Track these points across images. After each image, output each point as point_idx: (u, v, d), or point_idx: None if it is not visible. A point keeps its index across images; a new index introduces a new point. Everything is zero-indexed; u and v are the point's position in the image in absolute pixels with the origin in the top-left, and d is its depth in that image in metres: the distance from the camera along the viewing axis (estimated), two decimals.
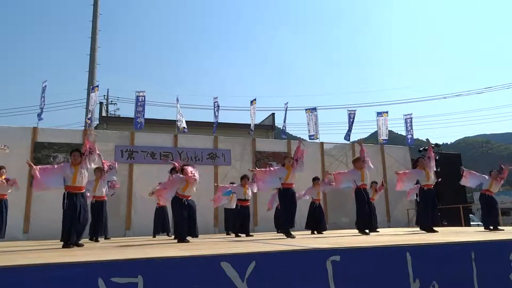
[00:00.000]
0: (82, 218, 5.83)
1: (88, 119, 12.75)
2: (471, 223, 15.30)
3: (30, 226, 10.41)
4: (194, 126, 15.89)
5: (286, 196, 7.06)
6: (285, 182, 7.05)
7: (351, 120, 14.93)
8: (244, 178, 9.22)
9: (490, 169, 9.03)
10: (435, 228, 7.84)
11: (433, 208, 8.09)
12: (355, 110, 15.07)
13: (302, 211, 13.64)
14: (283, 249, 3.15)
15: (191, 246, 4.74)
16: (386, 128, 15.23)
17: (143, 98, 12.78)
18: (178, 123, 12.76)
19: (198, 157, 12.63)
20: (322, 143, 14.29)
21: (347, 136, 14.81)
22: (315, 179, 10.13)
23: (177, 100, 13.12)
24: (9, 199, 8.95)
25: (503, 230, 7.74)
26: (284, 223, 7.05)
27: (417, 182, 8.73)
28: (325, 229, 9.73)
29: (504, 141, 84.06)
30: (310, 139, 14.43)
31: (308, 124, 14.32)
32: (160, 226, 10.01)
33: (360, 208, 7.74)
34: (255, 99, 14.10)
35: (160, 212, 10.09)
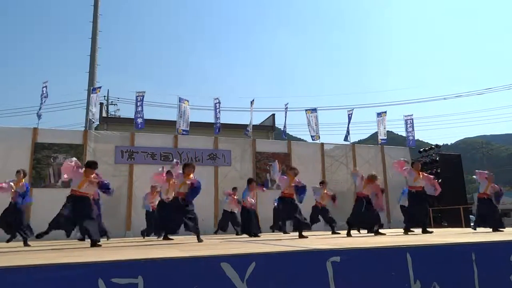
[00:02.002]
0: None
1: (92, 119, 12.76)
2: (472, 224, 15.28)
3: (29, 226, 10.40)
4: (195, 126, 15.90)
5: (285, 204, 7.52)
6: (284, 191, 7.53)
7: (350, 120, 14.97)
8: (252, 182, 9.26)
9: (491, 170, 9.05)
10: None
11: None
12: (353, 109, 15.12)
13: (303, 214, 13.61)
14: (283, 250, 3.14)
15: (191, 247, 4.74)
16: (384, 128, 15.27)
17: (141, 98, 12.79)
18: (177, 125, 12.76)
19: (199, 157, 12.64)
20: (322, 144, 14.30)
21: (346, 137, 14.83)
22: (322, 183, 10.26)
23: (183, 100, 13.11)
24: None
25: (503, 230, 7.77)
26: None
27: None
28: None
29: (504, 142, 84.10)
30: (312, 139, 14.44)
31: (309, 125, 14.33)
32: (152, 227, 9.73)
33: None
34: (253, 100, 14.13)
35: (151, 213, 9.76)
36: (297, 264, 2.91)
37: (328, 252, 3.05)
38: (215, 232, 10.67)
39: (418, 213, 7.99)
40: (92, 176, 6.05)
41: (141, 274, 2.45)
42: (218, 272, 2.64)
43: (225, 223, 10.54)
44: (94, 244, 5.64)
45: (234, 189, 10.51)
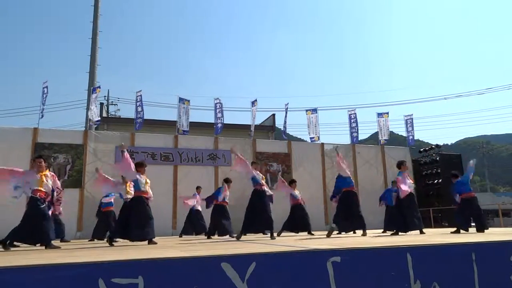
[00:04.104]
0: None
1: (97, 121, 12.77)
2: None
3: None
4: (195, 126, 15.89)
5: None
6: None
7: (353, 120, 14.93)
8: (228, 181, 9.55)
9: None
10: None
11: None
12: (355, 109, 15.09)
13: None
14: (283, 250, 3.14)
15: (191, 247, 4.75)
16: (387, 129, 15.24)
17: (140, 97, 12.80)
18: (179, 125, 12.77)
19: (199, 157, 12.64)
20: (322, 144, 14.29)
21: (354, 138, 14.78)
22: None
23: (184, 100, 13.11)
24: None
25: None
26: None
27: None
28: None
29: (504, 142, 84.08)
30: (310, 140, 14.43)
31: (309, 126, 14.32)
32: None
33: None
34: (256, 100, 14.10)
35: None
36: (298, 264, 2.91)
37: (329, 252, 3.05)
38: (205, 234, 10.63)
39: (409, 217, 7.89)
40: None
41: (142, 274, 2.45)
42: (219, 272, 2.64)
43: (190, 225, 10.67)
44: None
45: (198, 188, 10.84)
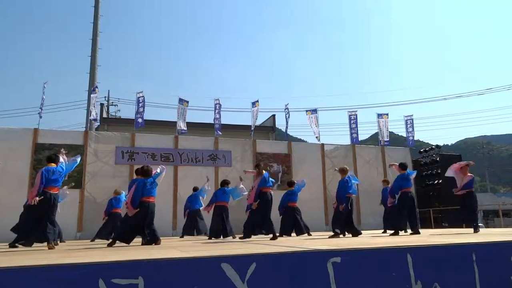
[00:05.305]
0: None
1: (94, 120, 12.78)
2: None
3: None
4: (195, 127, 15.89)
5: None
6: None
7: (353, 121, 14.91)
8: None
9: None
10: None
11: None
12: (356, 111, 15.07)
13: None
14: (283, 251, 3.14)
15: (191, 247, 4.74)
16: (387, 130, 15.22)
17: (142, 98, 12.80)
18: (177, 126, 12.77)
19: (199, 158, 12.63)
20: (322, 145, 14.27)
21: (354, 139, 14.75)
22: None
23: (183, 101, 13.11)
24: (9, 200, 8.91)
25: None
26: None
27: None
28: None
29: (505, 142, 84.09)
30: (317, 140, 14.40)
31: (311, 127, 14.30)
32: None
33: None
34: (257, 101, 14.08)
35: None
36: (298, 265, 2.91)
37: (329, 253, 3.05)
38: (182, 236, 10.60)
39: (412, 217, 7.93)
40: None
41: (142, 275, 2.45)
42: (219, 272, 2.64)
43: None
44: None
45: (195, 189, 10.89)
